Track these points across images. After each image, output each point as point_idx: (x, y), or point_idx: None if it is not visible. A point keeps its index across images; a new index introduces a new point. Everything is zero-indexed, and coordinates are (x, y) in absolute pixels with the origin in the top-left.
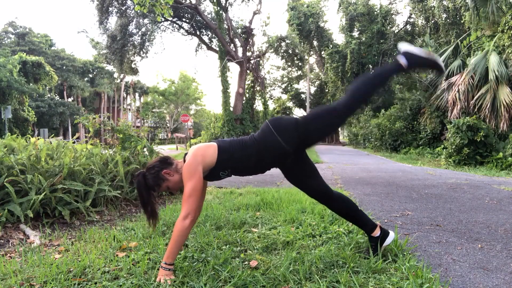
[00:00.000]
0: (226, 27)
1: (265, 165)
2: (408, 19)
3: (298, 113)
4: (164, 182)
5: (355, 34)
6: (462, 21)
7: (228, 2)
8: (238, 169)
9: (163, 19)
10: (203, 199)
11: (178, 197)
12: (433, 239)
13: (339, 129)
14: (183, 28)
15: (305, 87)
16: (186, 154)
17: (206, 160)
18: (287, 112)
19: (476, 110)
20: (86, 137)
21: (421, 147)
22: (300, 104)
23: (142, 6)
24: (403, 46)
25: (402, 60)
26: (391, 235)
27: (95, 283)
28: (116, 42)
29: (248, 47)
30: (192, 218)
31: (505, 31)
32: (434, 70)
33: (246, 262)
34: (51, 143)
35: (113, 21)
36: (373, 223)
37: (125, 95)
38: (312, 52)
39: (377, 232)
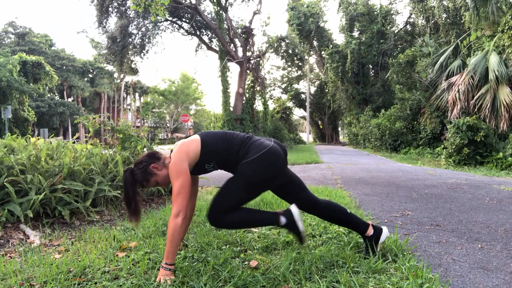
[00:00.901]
0: (226, 27)
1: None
2: (408, 19)
3: (298, 113)
4: (152, 177)
5: (355, 34)
6: (462, 21)
7: (228, 2)
8: (221, 163)
9: (162, 19)
10: (195, 196)
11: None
12: (433, 239)
13: (339, 129)
14: (183, 28)
15: (305, 87)
16: (171, 150)
17: (191, 155)
18: (287, 112)
19: (476, 110)
20: (86, 137)
21: (421, 147)
22: (300, 104)
23: (138, 6)
24: (293, 209)
25: (282, 219)
26: (385, 231)
27: (95, 283)
28: (116, 44)
29: (248, 47)
30: (184, 215)
31: (505, 31)
32: (297, 239)
33: (246, 262)
34: (51, 143)
35: (112, 22)
36: (365, 223)
37: (125, 95)
38: (312, 52)
39: (370, 232)
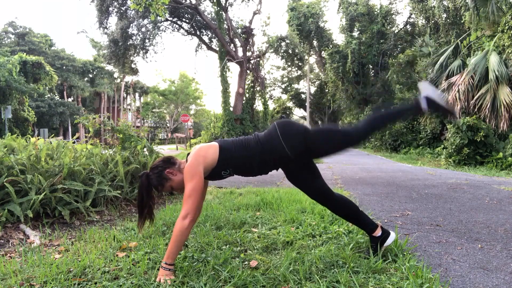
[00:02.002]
0: (226, 27)
1: (267, 167)
2: (408, 19)
3: (298, 113)
4: (167, 182)
5: (355, 34)
6: (462, 21)
7: (228, 2)
8: (240, 169)
9: (162, 19)
10: (203, 199)
11: (178, 197)
12: (433, 239)
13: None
14: (183, 28)
15: (305, 87)
16: (188, 154)
17: (208, 160)
18: (287, 112)
19: (476, 110)
20: (86, 137)
21: (421, 147)
22: (300, 104)
23: (138, 5)
24: (426, 89)
25: (424, 105)
26: (392, 236)
27: (95, 283)
28: (118, 47)
29: (248, 47)
30: (192, 218)
31: (505, 31)
32: (450, 116)
33: (246, 262)
34: (51, 143)
35: (113, 22)
36: (374, 224)
37: (125, 95)
38: (312, 52)
39: (378, 232)
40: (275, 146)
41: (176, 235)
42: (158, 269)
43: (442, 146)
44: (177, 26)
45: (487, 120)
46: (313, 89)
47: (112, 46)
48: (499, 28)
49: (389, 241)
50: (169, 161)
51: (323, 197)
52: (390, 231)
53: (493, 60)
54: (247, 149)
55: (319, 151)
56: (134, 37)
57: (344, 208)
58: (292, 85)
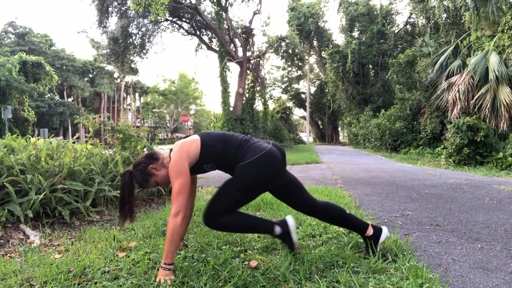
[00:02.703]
0: (226, 27)
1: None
2: (408, 19)
3: (298, 113)
4: (152, 178)
5: (355, 34)
6: (462, 21)
7: (228, 2)
8: (220, 165)
9: (162, 19)
10: (194, 196)
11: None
12: (433, 239)
13: (339, 129)
14: (183, 28)
15: (305, 87)
16: (171, 150)
17: (191, 155)
18: (287, 112)
19: (476, 110)
20: (86, 137)
21: (421, 147)
22: (300, 104)
23: (138, 5)
24: (290, 220)
25: (277, 229)
26: (384, 231)
27: (95, 283)
28: (118, 45)
29: (248, 47)
30: (183, 214)
31: (505, 31)
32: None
33: (246, 262)
34: (51, 143)
35: (113, 22)
36: (365, 223)
37: (125, 95)
38: (312, 52)
39: (370, 232)
40: (243, 161)
41: (171, 234)
42: (158, 269)
43: (442, 146)
44: (177, 26)
45: (487, 120)
46: (313, 89)
47: (111, 44)
48: (499, 28)
49: (383, 237)
50: (152, 157)
51: (307, 209)
52: (381, 227)
53: (493, 60)
54: (226, 145)
55: (226, 189)
56: (134, 36)
57: (330, 215)
58: (292, 85)
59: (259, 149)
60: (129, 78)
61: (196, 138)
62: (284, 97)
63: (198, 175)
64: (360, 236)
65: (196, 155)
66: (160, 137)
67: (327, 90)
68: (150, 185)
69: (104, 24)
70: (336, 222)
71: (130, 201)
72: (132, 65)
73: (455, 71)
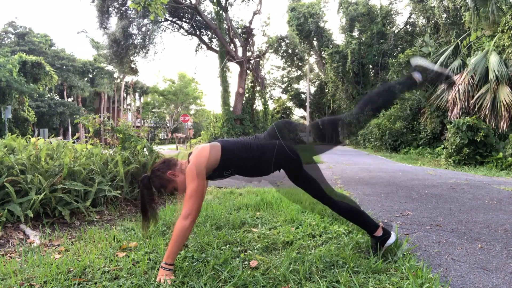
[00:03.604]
0: (226, 27)
1: (268, 168)
2: (408, 19)
3: (298, 113)
4: (170, 183)
5: (355, 34)
6: (462, 21)
7: (228, 2)
8: (242, 169)
9: (162, 19)
10: (203, 199)
11: (178, 197)
12: (433, 239)
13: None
14: (183, 28)
15: (305, 87)
16: (190, 154)
17: (210, 160)
18: (287, 112)
19: (476, 110)
20: (86, 137)
21: (421, 147)
22: (300, 104)
23: (137, 4)
24: (416, 60)
25: (417, 75)
26: (393, 237)
27: (95, 283)
28: (118, 45)
29: (248, 47)
30: (193, 218)
31: (505, 31)
32: (445, 81)
33: (246, 262)
34: (51, 143)
35: (113, 22)
36: (376, 224)
37: (125, 95)
38: (312, 52)
39: (379, 232)
40: (275, 146)
41: (177, 235)
42: (158, 269)
43: (442, 146)
44: (177, 26)
45: (487, 120)
46: (313, 89)
47: (113, 46)
48: (499, 28)
49: (390, 241)
50: (170, 163)
51: (324, 197)
52: (391, 232)
53: (493, 60)
54: (249, 150)
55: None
56: (134, 37)
57: (346, 209)
58: (292, 85)
59: (271, 127)
60: (129, 78)
61: (216, 144)
62: (284, 97)
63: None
64: (367, 235)
65: (216, 160)
66: (160, 137)
67: (327, 90)
68: (167, 190)
69: (105, 25)
70: (351, 217)
71: (152, 205)
72: (132, 65)
73: (455, 71)
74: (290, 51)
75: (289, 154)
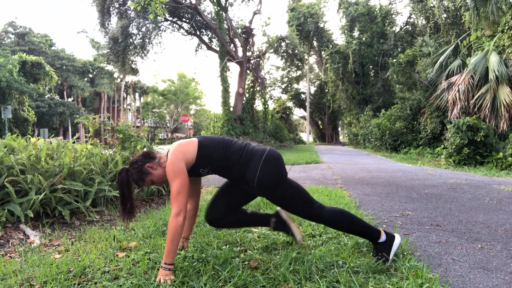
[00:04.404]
0: (226, 27)
1: (239, 179)
2: (408, 19)
3: (298, 113)
4: (147, 176)
5: (355, 34)
6: (462, 21)
7: (228, 2)
8: (216, 169)
9: (162, 19)
10: (198, 196)
11: None
12: (433, 239)
13: (339, 129)
14: (183, 28)
15: (305, 87)
16: (168, 150)
17: (187, 156)
18: (287, 112)
19: (476, 110)
20: (86, 137)
21: (421, 147)
22: (300, 104)
23: (137, 4)
24: (397, 238)
25: (383, 237)
26: (397, 237)
27: (95, 283)
28: (118, 44)
29: (248, 47)
30: (185, 214)
31: (505, 31)
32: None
33: (246, 262)
34: (51, 143)
35: (114, 22)
36: (377, 230)
37: (125, 95)
38: (312, 52)
39: (382, 237)
40: (249, 168)
41: (173, 234)
42: (158, 269)
43: (442, 146)
44: (177, 26)
45: (487, 120)
46: (313, 89)
47: (113, 45)
48: (499, 28)
49: (396, 243)
50: (148, 156)
51: (313, 217)
52: (394, 234)
53: (493, 60)
54: (226, 151)
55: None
56: (134, 37)
57: (340, 222)
58: (292, 85)
59: (261, 151)
60: (129, 78)
61: (194, 140)
62: (284, 97)
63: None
64: (372, 243)
65: (192, 157)
66: (160, 137)
67: (327, 90)
68: (145, 183)
69: (106, 25)
70: (349, 230)
71: (131, 198)
72: (133, 66)
73: (455, 71)
74: (290, 51)
75: (253, 184)
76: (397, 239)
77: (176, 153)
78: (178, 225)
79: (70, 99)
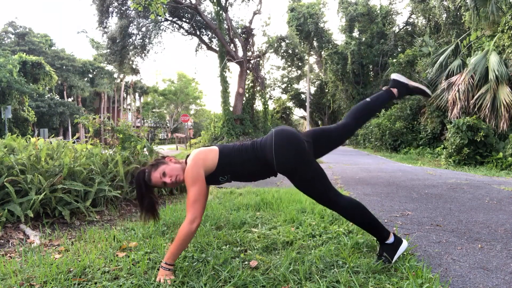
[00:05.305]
0: (226, 27)
1: (264, 173)
2: (408, 19)
3: (298, 113)
4: (162, 178)
5: (355, 34)
6: (462, 21)
7: (228, 2)
8: (238, 175)
9: (162, 19)
10: (205, 201)
11: (178, 197)
12: (433, 239)
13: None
14: (183, 28)
15: (305, 87)
16: (188, 156)
17: (207, 164)
18: (287, 112)
19: (476, 110)
20: (86, 137)
21: (421, 147)
22: (300, 104)
23: (138, 4)
24: (396, 76)
25: (394, 90)
26: (405, 243)
27: (95, 283)
28: (116, 44)
29: (248, 47)
30: (199, 222)
31: (505, 31)
32: (422, 95)
33: (246, 262)
34: (51, 143)
35: (113, 22)
36: (387, 230)
37: (125, 95)
38: (312, 52)
39: (390, 238)
40: (266, 154)
41: (182, 239)
42: (158, 269)
43: (442, 146)
44: (177, 26)
45: (487, 120)
46: (313, 89)
47: (113, 46)
48: (499, 28)
49: (402, 248)
50: (167, 160)
51: (329, 203)
52: (402, 239)
53: (493, 60)
54: (244, 155)
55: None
56: (134, 37)
57: (355, 214)
58: (292, 85)
59: (269, 136)
60: (129, 78)
61: (214, 148)
62: (284, 97)
63: None
64: (378, 243)
65: (213, 164)
66: (160, 137)
67: (327, 90)
68: (157, 185)
69: (105, 24)
70: (361, 223)
71: (149, 195)
72: (133, 66)
73: (455, 71)
74: (290, 51)
75: (274, 168)
76: (404, 244)
77: (196, 159)
78: (190, 232)
79: (70, 99)
